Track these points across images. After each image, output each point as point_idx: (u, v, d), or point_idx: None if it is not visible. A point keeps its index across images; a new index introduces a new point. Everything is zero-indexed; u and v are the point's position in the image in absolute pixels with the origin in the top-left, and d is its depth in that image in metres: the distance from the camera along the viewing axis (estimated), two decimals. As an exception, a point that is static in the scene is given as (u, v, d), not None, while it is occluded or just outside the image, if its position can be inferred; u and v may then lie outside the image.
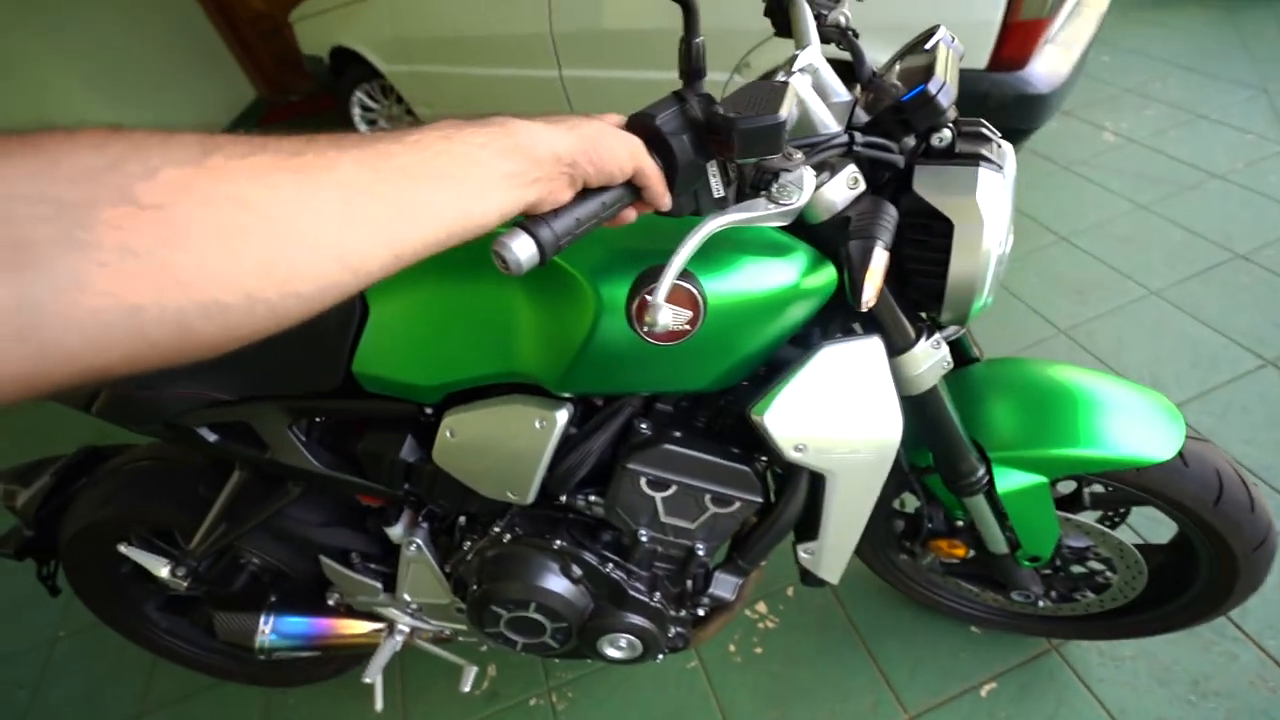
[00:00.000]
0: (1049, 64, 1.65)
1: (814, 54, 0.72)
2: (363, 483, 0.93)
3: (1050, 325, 1.81)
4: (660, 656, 0.95)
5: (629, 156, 0.47)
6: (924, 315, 0.75)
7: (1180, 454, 0.82)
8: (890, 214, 0.62)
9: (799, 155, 0.56)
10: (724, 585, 0.89)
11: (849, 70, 0.75)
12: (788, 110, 0.50)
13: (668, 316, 0.50)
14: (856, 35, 0.78)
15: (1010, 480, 0.84)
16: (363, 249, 0.35)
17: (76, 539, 1.15)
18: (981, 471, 0.84)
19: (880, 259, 0.57)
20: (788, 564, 1.36)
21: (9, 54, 3.26)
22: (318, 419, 0.92)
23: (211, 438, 0.90)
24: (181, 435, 0.91)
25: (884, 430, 0.70)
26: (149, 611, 1.34)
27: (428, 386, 0.78)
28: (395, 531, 0.98)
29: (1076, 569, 1.02)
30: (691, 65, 0.54)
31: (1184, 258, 1.91)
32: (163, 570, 1.02)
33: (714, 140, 0.52)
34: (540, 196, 0.44)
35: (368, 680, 1.06)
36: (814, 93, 0.68)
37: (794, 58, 0.71)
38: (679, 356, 0.67)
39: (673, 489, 0.78)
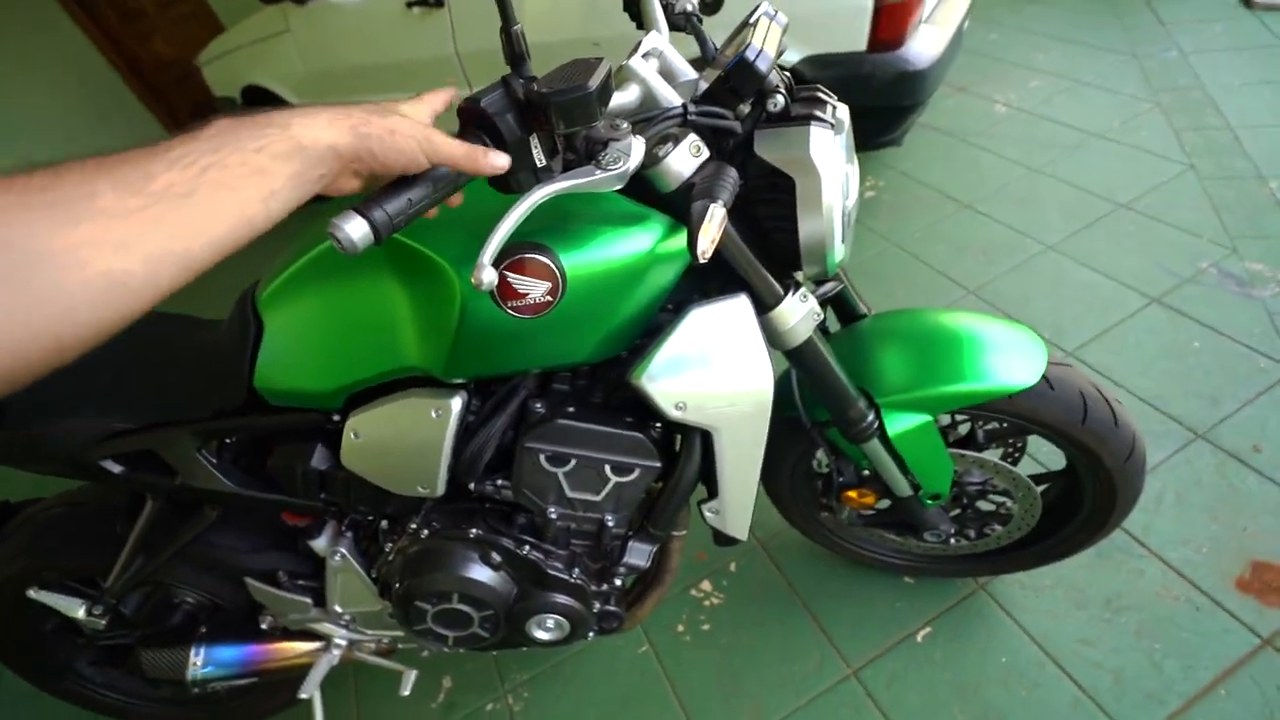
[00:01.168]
0: (925, 43, 1.74)
1: (658, 39, 0.76)
2: (279, 498, 0.92)
3: (959, 286, 1.89)
4: (591, 634, 0.96)
5: (419, 150, 0.49)
6: (792, 275, 0.79)
7: (1046, 380, 0.88)
8: (730, 175, 0.65)
9: (625, 125, 0.59)
10: (638, 554, 0.91)
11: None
12: (597, 81, 0.53)
13: (491, 276, 0.52)
14: (700, 21, 0.83)
15: (899, 423, 0.89)
16: (142, 271, 0.36)
17: (-10, 597, 1.10)
18: (871, 417, 0.88)
19: (717, 214, 0.60)
20: None
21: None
22: (227, 440, 0.91)
23: (116, 469, 0.89)
24: (86, 471, 0.89)
25: (757, 382, 0.74)
26: (81, 669, 1.29)
27: (328, 391, 0.79)
28: (320, 544, 0.98)
29: (982, 505, 1.07)
30: (514, 51, 0.57)
31: (1074, 213, 2.03)
32: (78, 611, 0.99)
33: (535, 115, 0.54)
34: (325, 188, 0.46)
35: (304, 696, 1.04)
36: (657, 74, 0.71)
37: (639, 44, 0.75)
38: (551, 329, 0.69)
39: (573, 463, 0.80)
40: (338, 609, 1.01)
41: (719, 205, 0.61)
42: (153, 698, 1.35)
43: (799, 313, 0.77)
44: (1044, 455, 1.42)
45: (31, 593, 1.00)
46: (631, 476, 0.81)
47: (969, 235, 2.06)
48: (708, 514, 0.87)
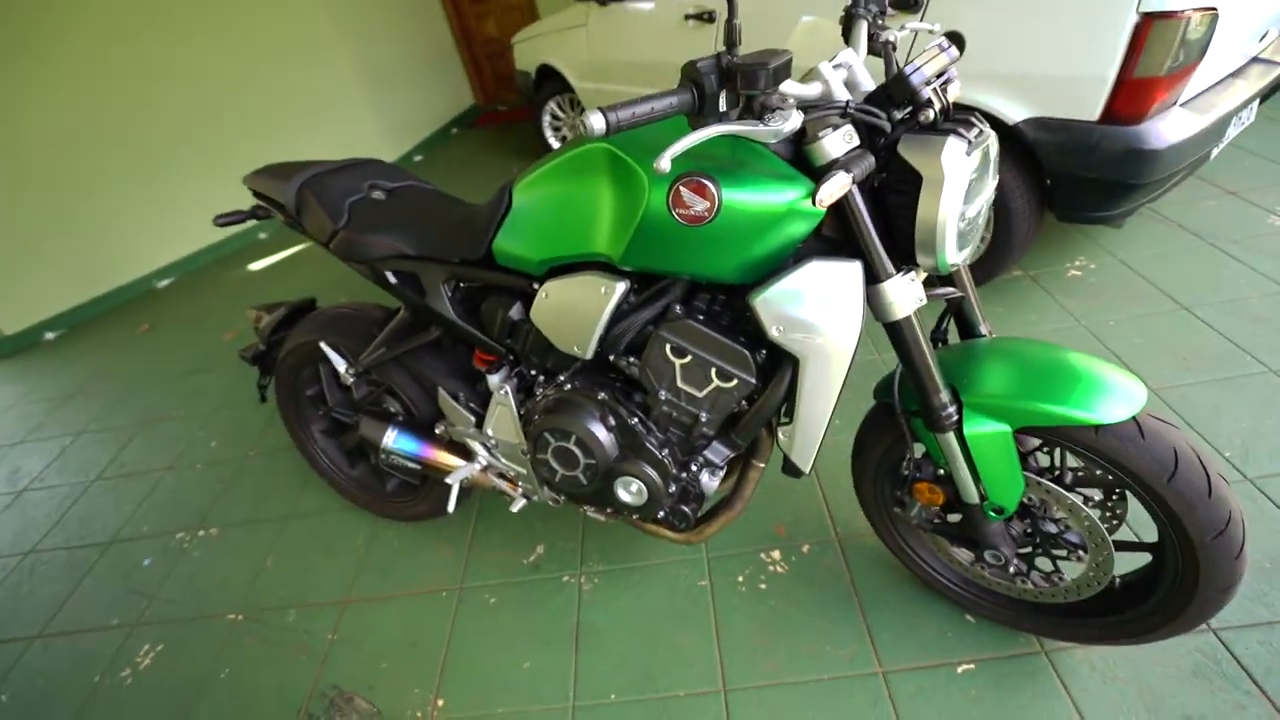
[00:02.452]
0: (1171, 125, 1.67)
1: (851, 56, 0.95)
2: (478, 335, 1.26)
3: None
4: (662, 513, 1.16)
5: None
6: (909, 262, 0.92)
7: (1138, 426, 0.90)
8: (867, 160, 0.82)
9: (791, 101, 0.79)
10: (717, 453, 1.09)
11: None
12: (775, 63, 0.74)
13: (666, 165, 0.74)
14: (894, 49, 1.00)
15: (978, 425, 0.96)
16: None
17: (287, 356, 1.61)
18: (952, 410, 0.97)
19: (841, 179, 0.78)
20: (808, 524, 1.52)
21: (322, 48, 4.32)
22: (461, 283, 1.28)
23: (393, 279, 1.29)
24: (375, 275, 1.31)
25: (845, 331, 0.89)
26: (315, 432, 1.80)
27: (537, 260, 1.09)
28: (493, 380, 1.30)
29: (1049, 542, 1.08)
30: (730, 37, 0.80)
31: (1324, 345, 1.76)
32: (341, 365, 1.43)
33: (729, 78, 0.77)
34: None
35: (449, 481, 1.39)
36: (839, 79, 0.90)
37: (835, 55, 0.95)
38: (702, 242, 0.91)
39: (689, 358, 1.02)
40: (489, 432, 1.33)
41: (846, 174, 0.79)
42: (347, 474, 1.83)
43: (903, 292, 0.91)
44: (1140, 527, 1.32)
45: (323, 344, 1.47)
46: (730, 384, 1.01)
47: (1174, 338, 1.89)
48: (781, 436, 1.02)
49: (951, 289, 1.03)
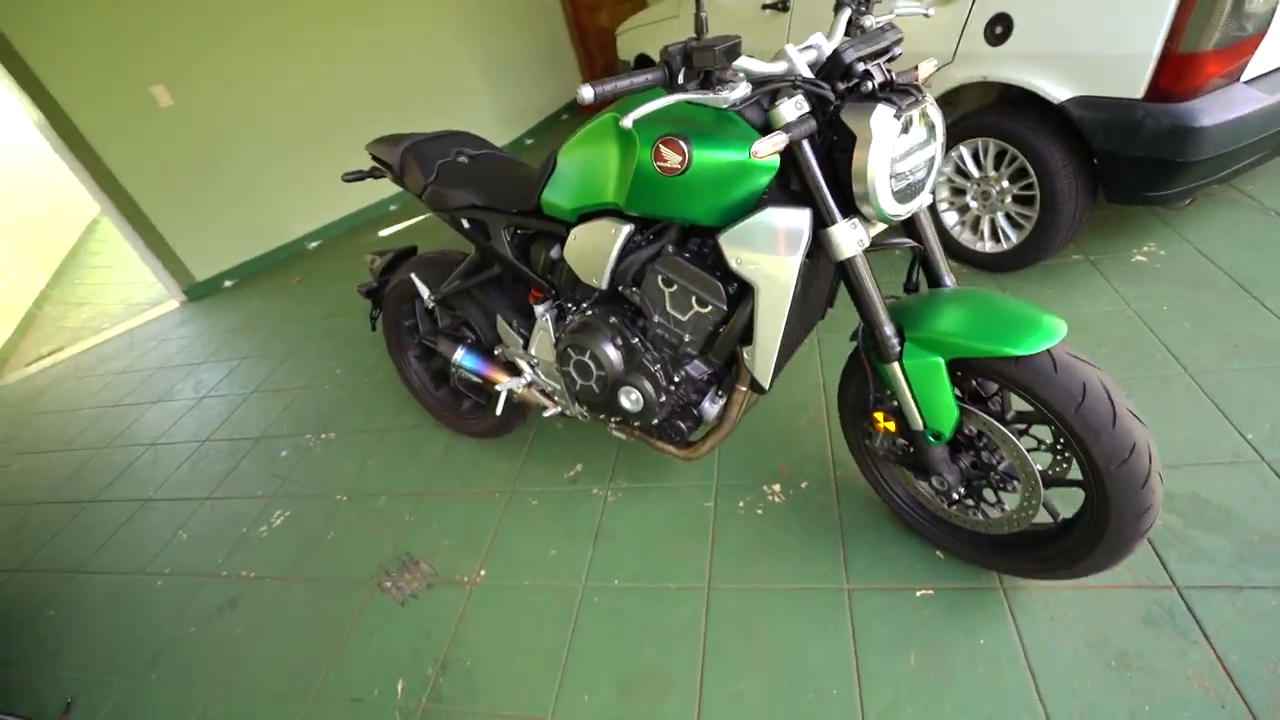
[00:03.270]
0: (1226, 101, 1.63)
1: (820, 40, 1.12)
2: (527, 271, 1.56)
3: (1177, 364, 1.74)
4: (656, 420, 1.40)
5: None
6: (858, 211, 1.09)
7: (1053, 360, 1.02)
8: (808, 123, 1.00)
9: (741, 75, 0.99)
10: (698, 369, 1.32)
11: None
12: (721, 46, 0.94)
13: (628, 123, 0.97)
14: (863, 33, 1.15)
15: (915, 356, 1.11)
16: None
17: (391, 291, 2.01)
18: (895, 342, 1.13)
19: (776, 137, 0.96)
20: (811, 465, 1.70)
21: (449, 44, 4.87)
22: (517, 230, 1.58)
23: (466, 225, 1.62)
24: (454, 221, 1.64)
25: (786, 264, 1.08)
26: (410, 357, 2.20)
27: (570, 209, 1.36)
28: (539, 309, 1.60)
29: (988, 476, 1.20)
30: (697, 28, 1.00)
31: (1404, 340, 1.65)
32: (425, 293, 1.79)
33: (689, 59, 0.99)
34: None
35: (498, 389, 1.71)
36: (803, 59, 1.08)
37: (806, 40, 1.13)
38: (681, 190, 1.13)
39: (675, 287, 1.24)
40: (533, 352, 1.64)
41: (783, 134, 0.98)
42: (433, 394, 2.22)
43: (847, 236, 1.08)
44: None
45: (413, 275, 1.84)
46: (706, 309, 1.22)
47: (1230, 325, 1.83)
48: (745, 355, 1.23)
49: (910, 241, 1.18)
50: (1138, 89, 1.67)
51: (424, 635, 1.62)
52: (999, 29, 1.88)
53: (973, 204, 2.21)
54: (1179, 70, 1.60)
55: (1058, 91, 1.81)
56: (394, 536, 1.94)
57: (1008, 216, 2.16)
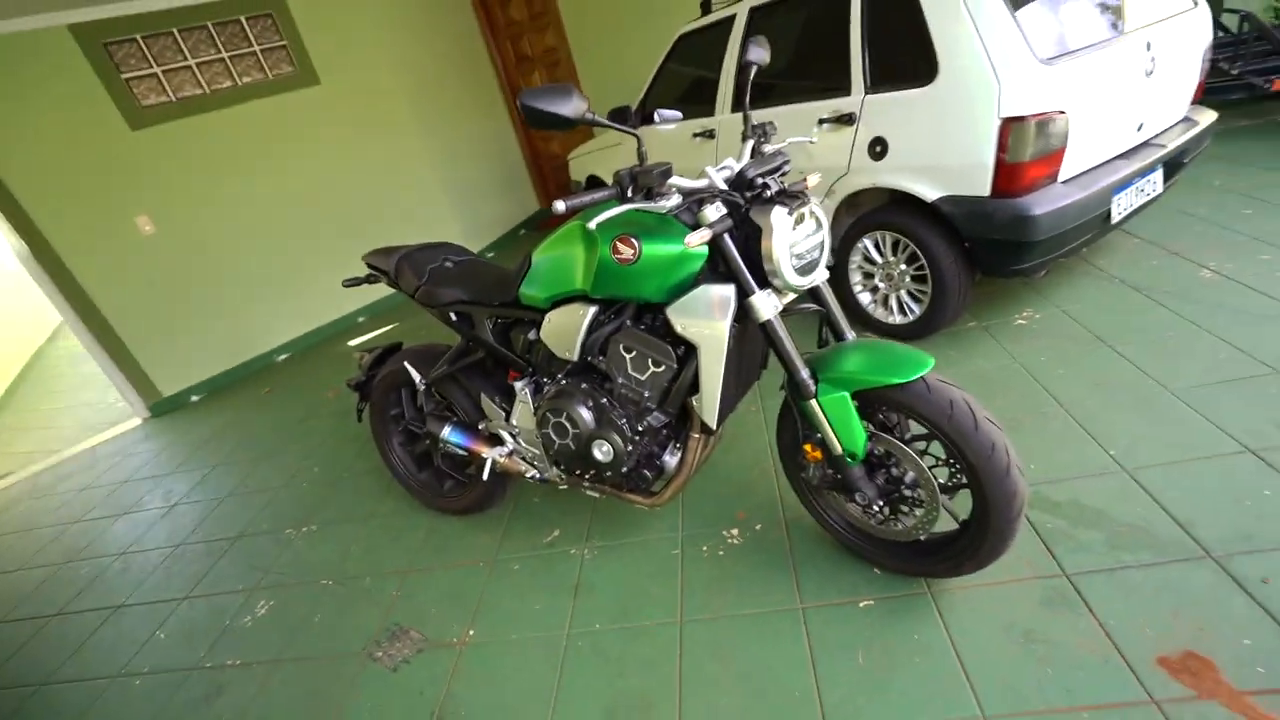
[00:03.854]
0: (1050, 197, 2.12)
1: (732, 161, 1.52)
2: (508, 353, 1.85)
3: (1053, 400, 2.11)
4: (625, 469, 1.64)
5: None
6: (770, 284, 1.43)
7: (926, 384, 1.34)
8: (725, 221, 1.37)
9: (674, 189, 1.35)
10: (656, 419, 1.59)
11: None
12: (655, 170, 1.31)
13: (592, 226, 1.31)
14: (762, 157, 1.56)
15: (827, 393, 1.42)
16: None
17: (380, 381, 2.26)
18: (810, 384, 1.44)
19: (701, 232, 1.31)
20: (764, 511, 1.95)
21: (415, 167, 5.41)
22: (498, 320, 1.88)
23: (454, 317, 1.92)
24: (443, 315, 1.94)
25: (722, 326, 1.40)
26: (394, 444, 2.40)
27: (545, 297, 1.68)
28: (518, 385, 1.87)
29: (900, 484, 1.48)
30: (640, 155, 1.38)
31: (1218, 370, 2.05)
32: (416, 377, 2.04)
33: (635, 179, 1.35)
34: None
35: (484, 456, 1.93)
36: (720, 175, 1.46)
37: (723, 160, 1.53)
38: (634, 276, 1.46)
39: (634, 353, 1.54)
40: (514, 421, 1.88)
41: (707, 229, 1.34)
42: (415, 477, 2.40)
43: (764, 303, 1.41)
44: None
45: (405, 362, 2.09)
46: (661, 369, 1.52)
47: (1094, 369, 2.23)
48: (694, 403, 1.51)
49: (814, 305, 1.54)
50: (985, 188, 2.16)
51: (418, 695, 1.72)
52: (879, 148, 2.39)
53: (880, 285, 2.65)
54: (1010, 175, 2.09)
55: (929, 192, 2.30)
56: (382, 612, 2.05)
57: (909, 294, 2.60)
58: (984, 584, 1.59)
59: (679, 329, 1.46)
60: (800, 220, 1.39)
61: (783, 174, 1.44)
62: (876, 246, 2.60)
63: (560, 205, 1.24)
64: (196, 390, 4.74)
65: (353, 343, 4.92)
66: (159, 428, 4.38)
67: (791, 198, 1.38)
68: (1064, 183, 2.20)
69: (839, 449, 1.47)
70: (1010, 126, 2.04)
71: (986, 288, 2.99)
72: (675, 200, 1.35)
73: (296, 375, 4.59)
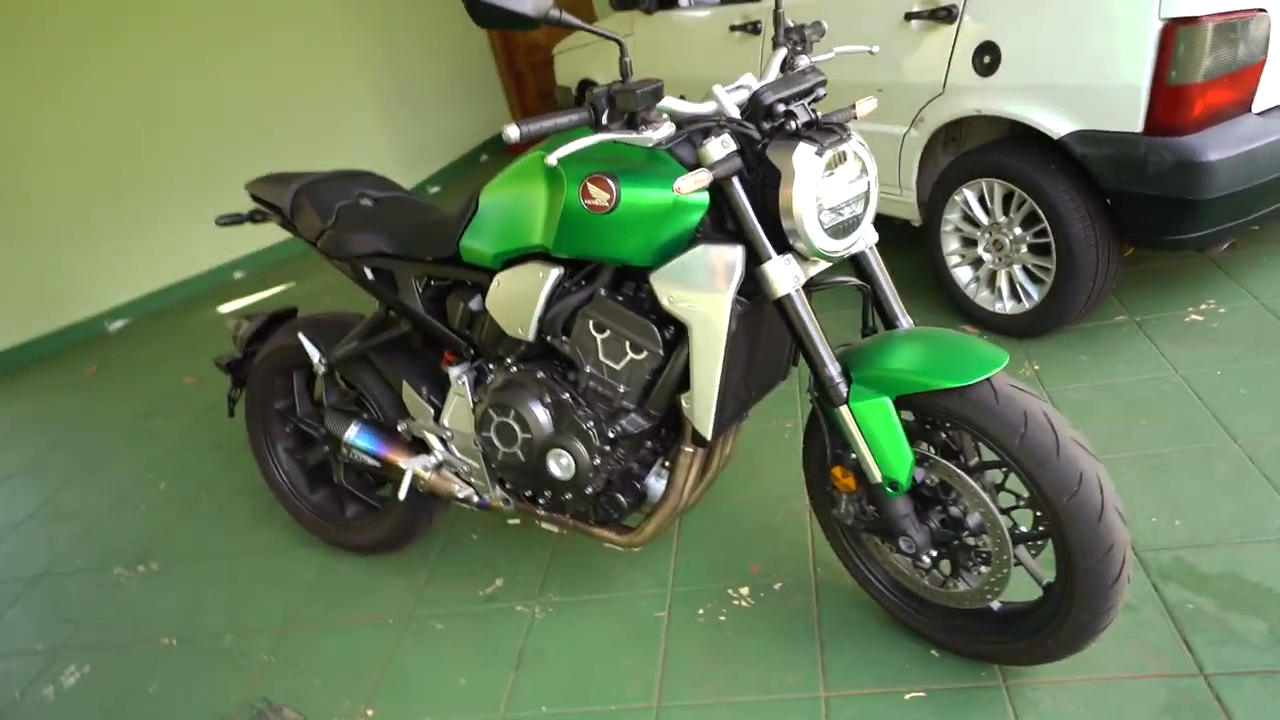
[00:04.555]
0: (1234, 134, 2.30)
1: (750, 80, 1.72)
2: (441, 327, 2.07)
3: (1227, 435, 2.29)
4: (590, 490, 1.86)
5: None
6: (792, 247, 1.63)
7: (994, 391, 1.53)
8: (733, 161, 1.57)
9: (665, 117, 1.56)
10: (635, 424, 1.80)
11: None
12: (642, 89, 1.51)
13: (553, 160, 1.51)
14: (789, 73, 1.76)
15: (862, 398, 1.62)
16: None
17: (263, 361, 2.50)
18: (841, 383, 1.64)
19: (698, 174, 1.52)
20: (787, 564, 2.15)
21: (332, 61, 5.67)
22: (431, 281, 2.11)
23: (370, 275, 2.15)
24: (356, 271, 2.17)
25: (720, 300, 1.61)
26: (279, 450, 2.64)
27: (493, 254, 1.90)
28: (454, 372, 2.09)
29: (958, 530, 1.67)
30: (622, 72, 1.58)
31: None
32: (315, 355, 2.27)
33: (613, 101, 1.56)
34: None
35: (402, 466, 2.16)
36: (731, 99, 1.66)
37: (739, 79, 1.73)
38: (609, 228, 1.67)
39: (607, 333, 1.76)
40: (445, 423, 2.11)
41: (706, 171, 1.54)
42: (306, 499, 2.64)
43: (781, 272, 1.61)
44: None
45: (300, 334, 2.32)
46: (642, 355, 1.73)
47: (1289, 390, 2.41)
48: (684, 404, 1.72)
49: (854, 280, 1.74)
50: (1136, 122, 2.34)
51: (291, 789, 1.95)
52: (987, 58, 2.59)
53: (985, 256, 2.85)
54: (1173, 102, 2.28)
55: (1056, 125, 2.49)
56: (245, 680, 2.29)
57: (1026, 270, 2.78)
58: (1082, 679, 1.78)
59: (665, 302, 1.66)
60: (837, 163, 1.59)
61: (816, 99, 1.64)
62: (982, 201, 2.78)
63: (513, 131, 1.45)
64: (-15, 366, 5.05)
65: (225, 308, 5.20)
66: (-68, 417, 4.68)
67: (825, 132, 1.58)
68: (1260, 114, 2.37)
69: (877, 475, 1.67)
70: (1177, 31, 2.22)
71: (1146, 266, 3.16)
72: (666, 130, 1.55)
73: (138, 351, 4.87)
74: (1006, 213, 2.75)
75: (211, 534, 2.96)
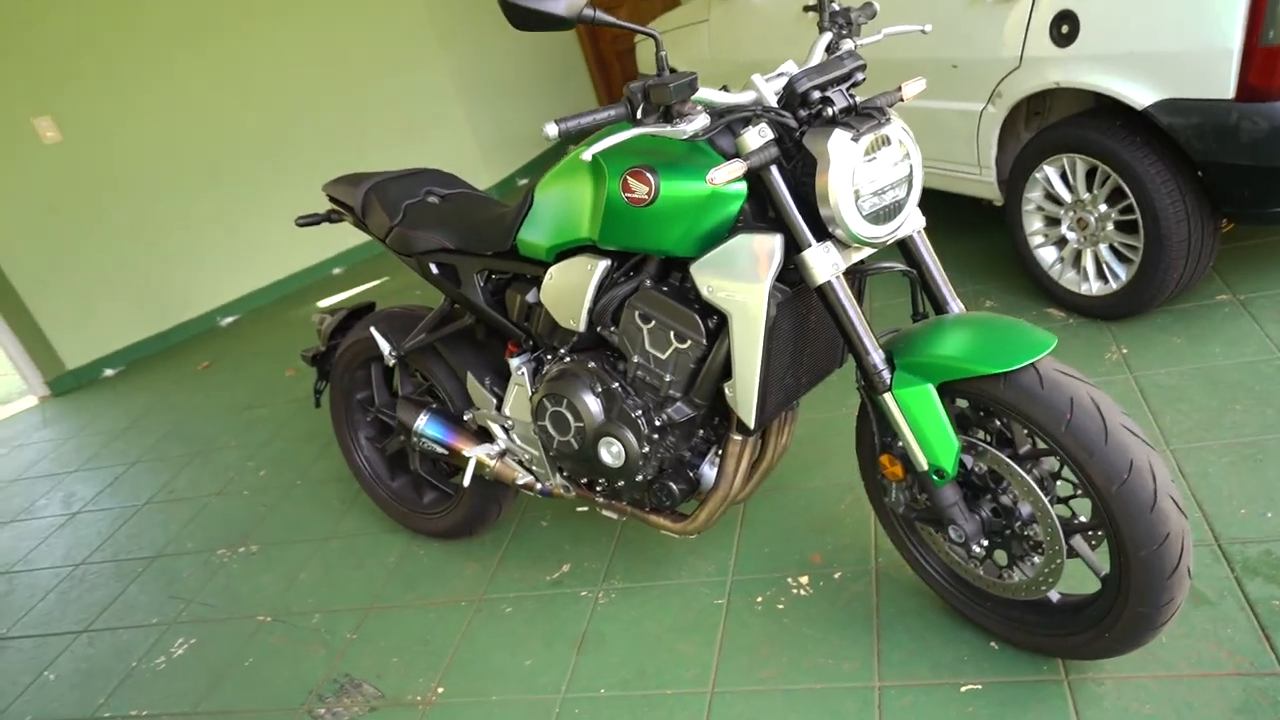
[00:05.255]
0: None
1: (790, 67, 1.75)
2: (501, 319, 2.18)
3: (1325, 422, 2.18)
4: (641, 477, 1.93)
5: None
6: (831, 234, 1.65)
7: (1039, 376, 1.52)
8: (768, 150, 1.60)
9: (700, 109, 1.60)
10: (681, 412, 1.85)
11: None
12: (673, 82, 1.56)
13: (588, 155, 1.59)
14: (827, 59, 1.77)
15: (904, 383, 1.63)
16: None
17: (344, 354, 2.66)
18: (884, 370, 1.65)
19: (733, 164, 1.55)
20: (849, 554, 2.18)
21: (419, 57, 5.89)
22: (491, 275, 2.22)
23: (435, 270, 2.27)
24: (422, 266, 2.30)
25: (758, 288, 1.64)
26: (361, 439, 2.81)
27: (547, 247, 1.99)
28: (514, 362, 2.20)
29: (1010, 519, 1.66)
30: (659, 67, 1.63)
31: None
32: (386, 348, 2.42)
33: (648, 95, 1.61)
34: None
35: (466, 455, 2.27)
36: (770, 87, 1.69)
37: (781, 66, 1.76)
38: (651, 220, 1.73)
39: (653, 323, 1.82)
40: (508, 411, 2.22)
41: (741, 161, 1.58)
42: (387, 485, 2.80)
43: (820, 260, 1.63)
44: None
45: (372, 328, 2.47)
46: (686, 344, 1.78)
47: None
48: (727, 391, 1.77)
49: (899, 266, 1.74)
50: (1227, 88, 2.25)
51: (366, 760, 2.10)
52: (1065, 28, 2.52)
53: (1070, 235, 2.77)
54: (1268, 65, 2.17)
55: (1140, 95, 2.40)
56: (330, 657, 2.46)
57: (1113, 249, 2.70)
58: (1150, 675, 1.75)
59: (705, 292, 1.71)
60: (879, 146, 1.60)
61: (854, 83, 1.65)
62: (1064, 178, 2.71)
63: (552, 129, 1.52)
64: (111, 362, 5.48)
65: (324, 303, 5.49)
66: (62, 410, 5.13)
67: (863, 117, 1.60)
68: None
69: (923, 462, 1.68)
70: (1271, -13, 2.12)
71: (1254, 242, 3.01)
72: (701, 122, 1.60)
73: (245, 345, 5.21)
74: (1091, 189, 2.67)
75: (305, 519, 3.17)
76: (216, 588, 2.95)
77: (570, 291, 1.95)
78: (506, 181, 6.47)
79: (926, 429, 1.64)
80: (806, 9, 3.55)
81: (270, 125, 5.66)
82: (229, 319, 5.76)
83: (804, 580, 2.19)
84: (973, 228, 3.93)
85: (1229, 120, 2.27)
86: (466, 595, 2.52)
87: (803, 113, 1.63)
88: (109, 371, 5.45)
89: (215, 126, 5.51)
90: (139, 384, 5.13)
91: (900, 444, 1.71)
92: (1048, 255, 2.87)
